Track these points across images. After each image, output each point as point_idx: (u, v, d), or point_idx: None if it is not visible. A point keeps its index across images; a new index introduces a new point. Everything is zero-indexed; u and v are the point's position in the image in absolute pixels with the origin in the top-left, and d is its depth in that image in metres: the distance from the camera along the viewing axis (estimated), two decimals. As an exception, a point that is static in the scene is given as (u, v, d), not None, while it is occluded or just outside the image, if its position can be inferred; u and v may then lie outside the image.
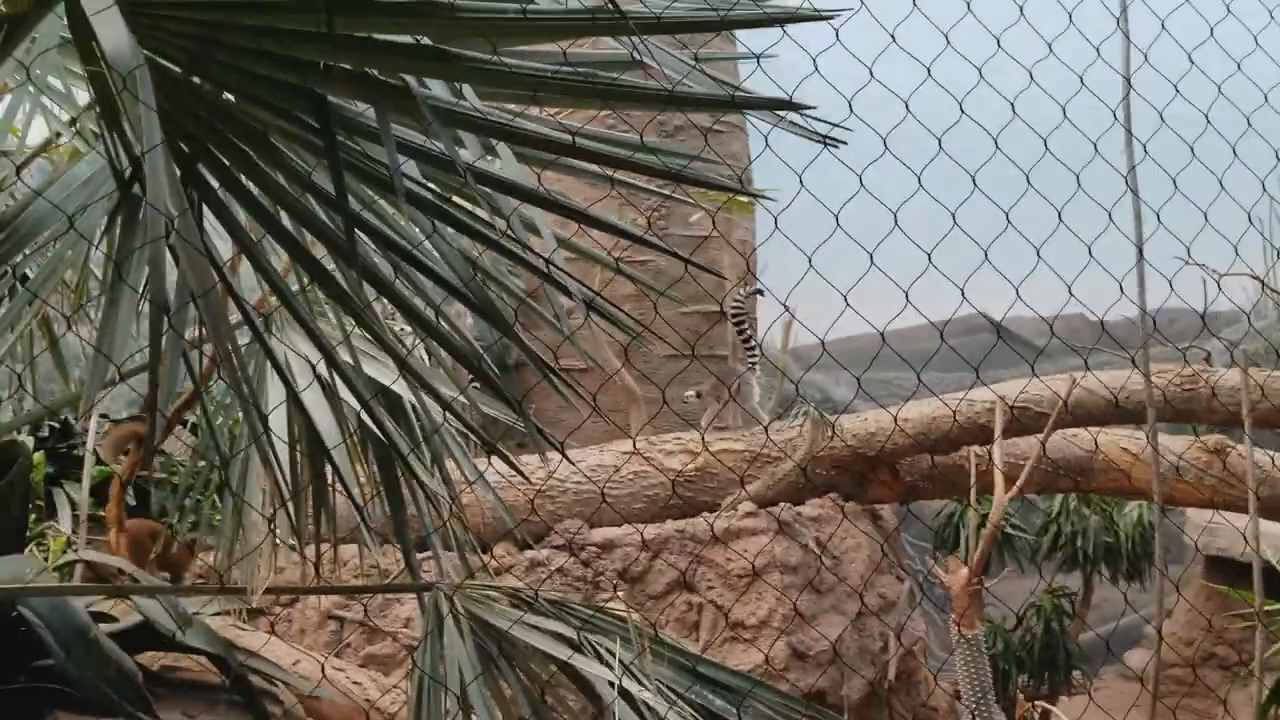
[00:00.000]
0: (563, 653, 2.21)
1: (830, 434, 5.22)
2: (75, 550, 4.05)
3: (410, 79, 1.31)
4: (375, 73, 1.30)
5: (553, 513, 5.28)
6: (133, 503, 4.44)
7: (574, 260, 6.03)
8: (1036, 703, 2.87)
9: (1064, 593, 6.96)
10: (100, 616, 2.67)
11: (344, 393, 2.43)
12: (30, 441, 4.87)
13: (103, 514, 4.30)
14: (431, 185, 1.61)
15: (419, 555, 3.27)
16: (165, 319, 1.14)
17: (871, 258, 4.22)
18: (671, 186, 6.24)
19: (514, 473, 5.42)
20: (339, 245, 1.37)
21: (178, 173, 1.29)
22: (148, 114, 1.00)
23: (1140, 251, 3.26)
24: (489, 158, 1.59)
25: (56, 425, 5.20)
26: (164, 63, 1.29)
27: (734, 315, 5.93)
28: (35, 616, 2.39)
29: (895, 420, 5.42)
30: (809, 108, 1.61)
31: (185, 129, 1.34)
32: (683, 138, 6.54)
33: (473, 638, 2.25)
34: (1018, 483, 3.20)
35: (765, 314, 7.67)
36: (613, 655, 2.21)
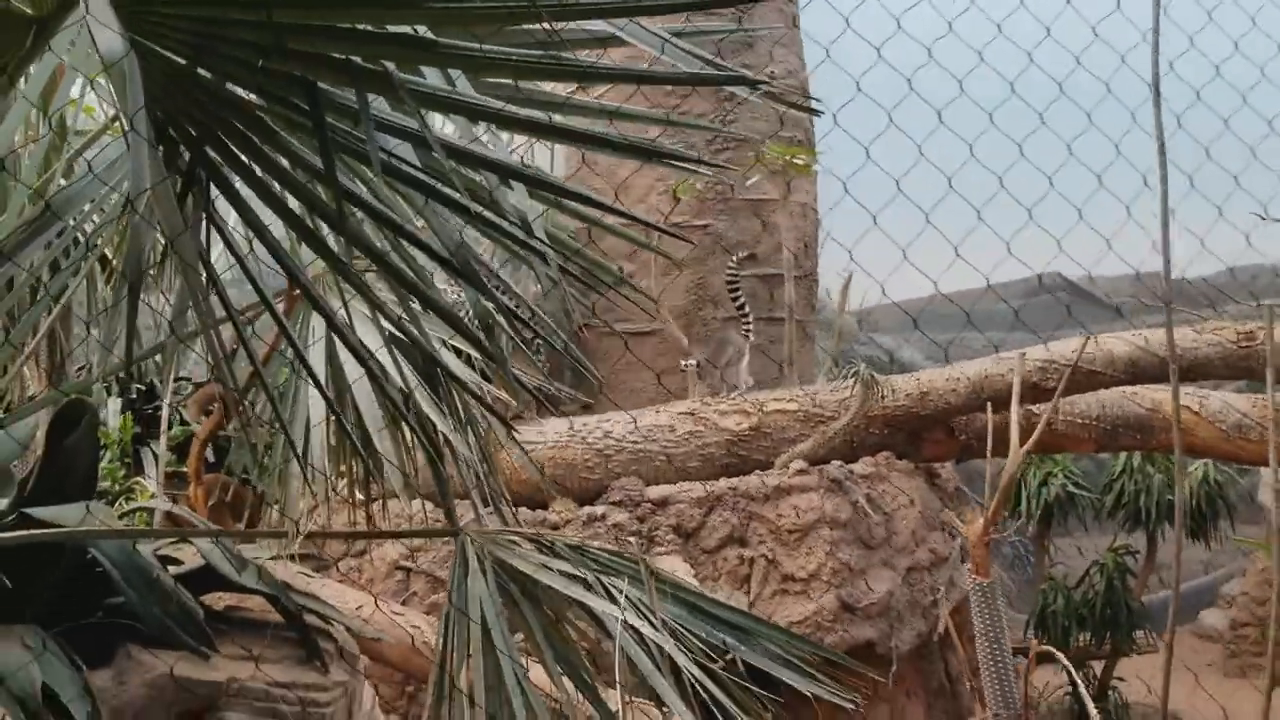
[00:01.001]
0: (575, 591, 2.38)
1: (880, 395, 5.30)
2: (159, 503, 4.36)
3: (390, 65, 1.47)
4: (359, 60, 1.46)
5: (610, 470, 5.46)
6: (212, 459, 4.75)
7: (630, 226, 6.13)
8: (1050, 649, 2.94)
9: (1127, 550, 6.94)
10: (168, 560, 2.91)
11: (386, 361, 2.64)
12: (118, 403, 5.20)
13: (184, 470, 4.61)
14: (452, 166, 1.76)
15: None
16: (139, 289, 1.32)
17: (928, 217, 4.32)
18: (725, 154, 6.31)
19: (573, 432, 5.61)
20: (330, 216, 1.53)
21: (186, 155, 1.47)
22: (134, 103, 1.16)
23: (1165, 205, 3.30)
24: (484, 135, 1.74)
25: (143, 388, 5.54)
26: (171, 56, 1.46)
27: (729, 285, 6.02)
28: (105, 558, 2.63)
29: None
30: (767, 83, 1.71)
31: (193, 115, 1.52)
32: (741, 101, 6.62)
33: (495, 577, 2.43)
34: (1031, 438, 3.28)
35: (826, 277, 7.76)
36: (620, 593, 2.37)
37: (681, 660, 2.26)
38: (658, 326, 6.24)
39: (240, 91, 1.50)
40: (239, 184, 1.58)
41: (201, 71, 1.47)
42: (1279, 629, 3.43)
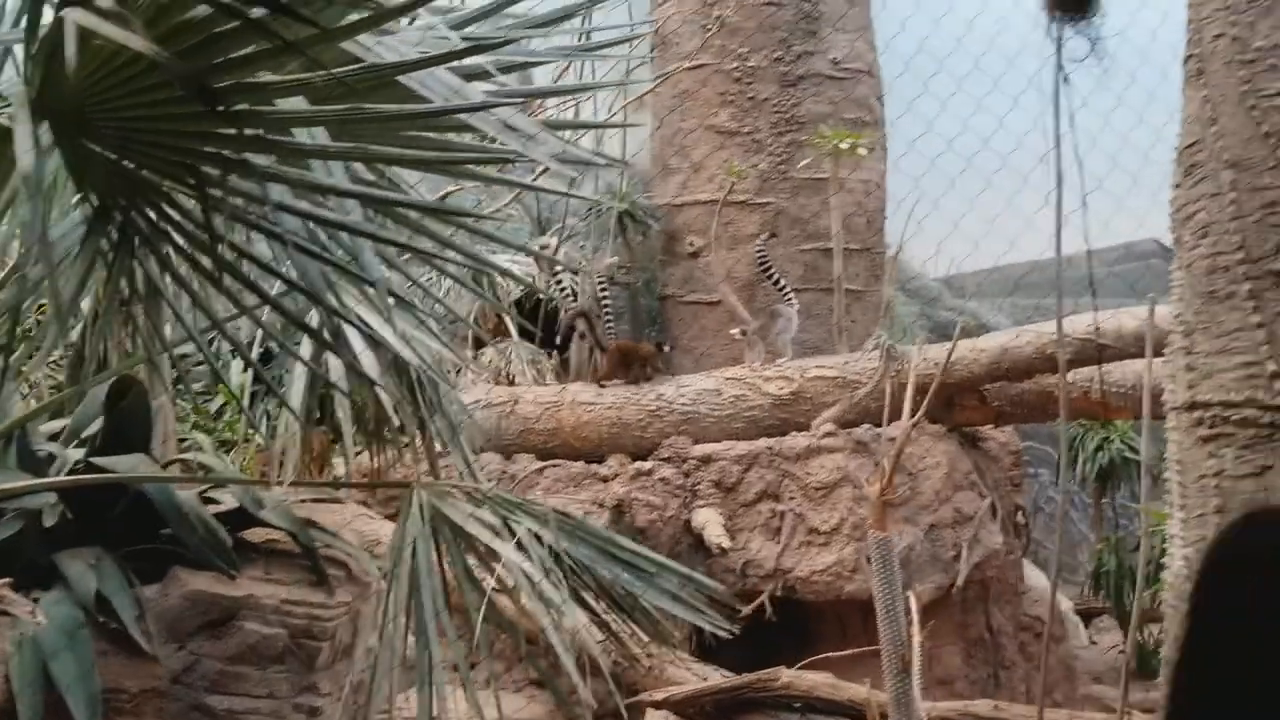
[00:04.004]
0: (485, 535, 2.99)
1: (901, 365, 5.69)
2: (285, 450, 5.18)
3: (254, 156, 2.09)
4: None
5: (661, 430, 6.03)
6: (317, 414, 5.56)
7: (701, 205, 6.66)
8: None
9: (1187, 516, 7.07)
10: (209, 500, 3.66)
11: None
12: (239, 365, 6.05)
13: (280, 425, 5.39)
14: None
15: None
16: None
17: (993, 181, 4.63)
18: (787, 136, 6.71)
19: (631, 395, 6.15)
20: (213, 257, 2.17)
21: (121, 214, 2.14)
22: (36, 200, 1.80)
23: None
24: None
25: (263, 351, 6.41)
26: (105, 152, 2.11)
27: (759, 265, 6.45)
28: (153, 498, 3.38)
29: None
30: (600, 163, 2.23)
31: (124, 190, 2.16)
32: (805, 86, 7.00)
33: (430, 523, 3.06)
34: (920, 410, 3.68)
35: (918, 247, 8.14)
36: (530, 537, 2.97)
37: (552, 594, 2.85)
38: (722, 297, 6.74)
39: (153, 176, 2.14)
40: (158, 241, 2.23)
41: (126, 163, 2.12)
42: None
